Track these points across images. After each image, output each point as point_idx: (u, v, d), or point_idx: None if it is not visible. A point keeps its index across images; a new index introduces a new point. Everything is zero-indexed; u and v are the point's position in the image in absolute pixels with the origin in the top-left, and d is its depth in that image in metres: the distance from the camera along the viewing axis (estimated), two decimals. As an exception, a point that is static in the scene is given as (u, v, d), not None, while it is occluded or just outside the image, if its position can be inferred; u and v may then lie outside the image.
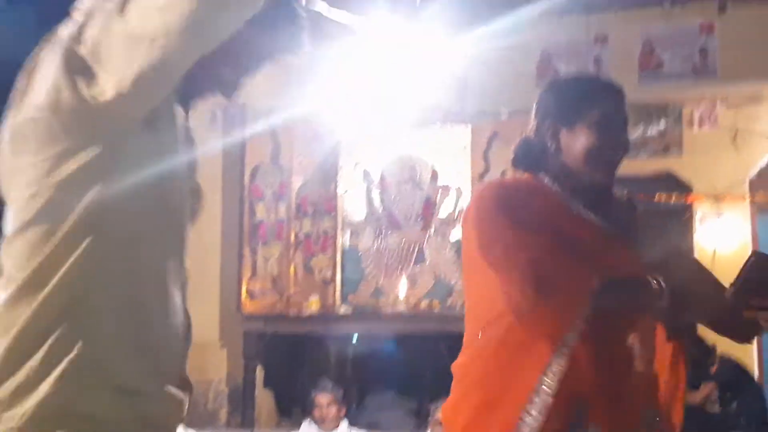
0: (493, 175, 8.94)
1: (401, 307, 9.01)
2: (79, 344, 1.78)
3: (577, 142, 2.68)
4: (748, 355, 10.42)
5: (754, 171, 11.55)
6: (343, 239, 9.23)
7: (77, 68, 1.76)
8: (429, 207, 9.10)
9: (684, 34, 8.92)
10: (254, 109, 9.51)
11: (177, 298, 1.96)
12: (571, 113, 2.70)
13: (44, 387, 1.73)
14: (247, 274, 9.36)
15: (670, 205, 12.09)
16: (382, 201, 9.25)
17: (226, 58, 2.01)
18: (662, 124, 11.78)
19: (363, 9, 7.16)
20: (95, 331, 1.80)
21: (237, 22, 1.81)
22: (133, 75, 1.70)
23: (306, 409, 7.30)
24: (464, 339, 2.93)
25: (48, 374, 1.74)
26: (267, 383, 9.51)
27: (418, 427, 7.54)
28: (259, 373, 9.30)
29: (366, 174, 9.24)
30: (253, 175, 9.50)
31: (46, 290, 1.76)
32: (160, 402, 1.86)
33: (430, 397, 7.04)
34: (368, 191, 9.26)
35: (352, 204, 9.26)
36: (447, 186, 9.12)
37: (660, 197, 11.86)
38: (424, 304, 8.98)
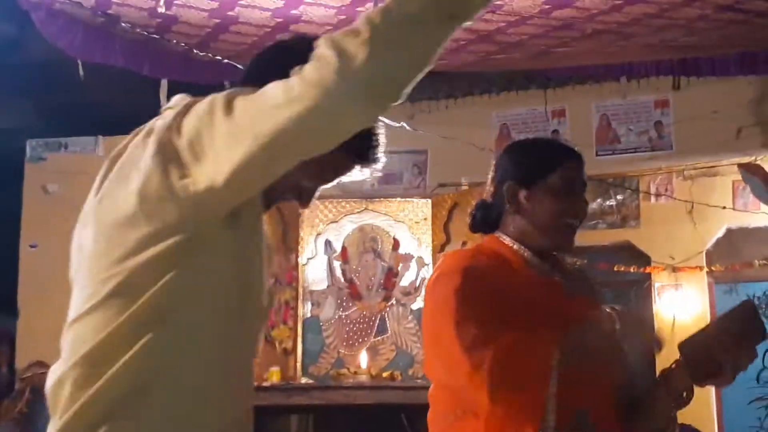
0: (454, 245, 9.00)
1: (363, 378, 9.00)
2: None
3: (537, 204, 2.68)
4: (709, 424, 10.49)
5: (710, 242, 11.71)
6: (304, 309, 9.23)
7: (171, 158, 1.77)
8: (390, 277, 9.15)
9: (639, 108, 9.09)
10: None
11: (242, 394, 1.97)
12: (532, 174, 2.71)
13: None
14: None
15: (629, 275, 12.21)
16: (343, 271, 9.28)
17: (310, 170, 1.98)
18: (620, 196, 11.94)
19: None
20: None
21: (345, 135, 1.76)
22: (230, 171, 1.70)
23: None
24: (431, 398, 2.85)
25: None
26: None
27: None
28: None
29: (327, 244, 9.29)
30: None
31: (107, 375, 1.74)
32: None
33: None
34: (329, 261, 9.30)
35: (314, 274, 9.29)
36: (409, 254, 9.18)
37: (619, 267, 12.00)
38: (386, 374, 8.98)
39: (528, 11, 6.58)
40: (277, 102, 1.67)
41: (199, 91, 6.92)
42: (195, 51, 7.30)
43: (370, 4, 6.07)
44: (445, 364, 2.67)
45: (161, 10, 6.49)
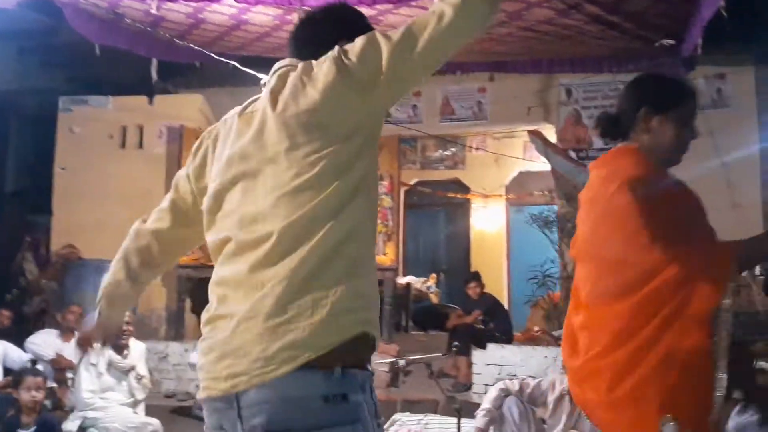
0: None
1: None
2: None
3: (667, 128, 2.31)
4: (502, 293, 10.72)
5: (507, 180, 11.94)
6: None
7: (346, 71, 1.61)
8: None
9: (468, 92, 9.08)
10: (191, 129, 9.32)
11: None
12: (668, 103, 2.34)
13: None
14: (181, 237, 9.16)
15: (458, 199, 12.35)
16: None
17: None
18: (453, 149, 12.01)
19: (265, 69, 7.10)
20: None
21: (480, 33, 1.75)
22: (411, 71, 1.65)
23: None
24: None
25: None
26: (193, 310, 9.32)
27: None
28: (188, 303, 9.10)
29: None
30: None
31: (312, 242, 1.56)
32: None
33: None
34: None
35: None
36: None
37: (451, 194, 12.13)
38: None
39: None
40: (442, 13, 1.59)
41: (177, 67, 6.64)
42: (176, 40, 7.08)
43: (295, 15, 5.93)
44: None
45: (153, 11, 6.32)
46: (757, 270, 5.21)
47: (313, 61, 1.70)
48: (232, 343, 1.56)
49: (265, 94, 1.76)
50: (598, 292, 2.19)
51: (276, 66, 1.84)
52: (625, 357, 1.99)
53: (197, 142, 1.93)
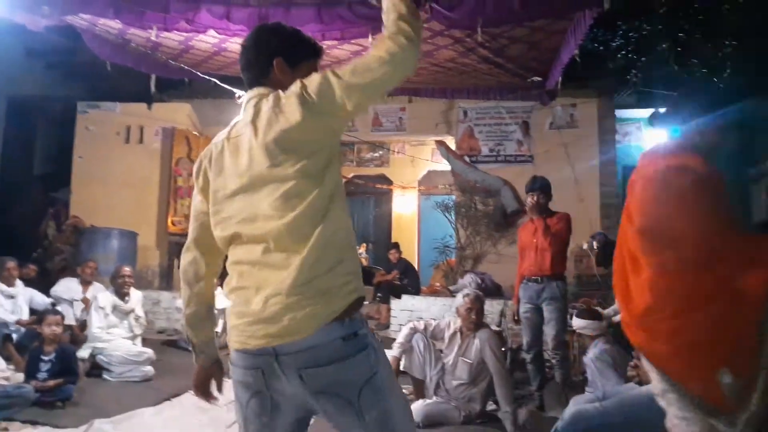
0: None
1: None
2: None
3: None
4: (414, 258, 10.79)
5: (420, 175, 11.98)
6: (223, 198, 8.93)
7: (307, 104, 1.58)
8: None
9: (392, 110, 9.09)
10: (179, 129, 9.07)
11: None
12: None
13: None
14: (171, 212, 8.91)
15: (383, 189, 12.34)
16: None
17: None
18: (380, 152, 11.98)
19: (239, 86, 6.95)
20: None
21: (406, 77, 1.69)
22: (356, 101, 1.59)
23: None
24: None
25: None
26: (179, 267, 9.14)
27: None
28: (175, 262, 8.90)
29: (236, 166, 8.98)
30: (176, 163, 9.03)
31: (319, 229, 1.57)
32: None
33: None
34: (237, 174, 9.00)
35: (229, 180, 8.96)
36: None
37: (378, 185, 12.09)
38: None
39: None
40: (382, 60, 1.58)
41: (171, 82, 6.40)
42: (170, 61, 6.85)
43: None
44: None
45: (153, 38, 6.09)
46: (594, 245, 5.36)
47: (281, 93, 1.66)
48: (263, 314, 1.57)
49: (245, 122, 1.71)
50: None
51: (247, 96, 1.78)
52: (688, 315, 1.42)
53: (197, 165, 1.85)
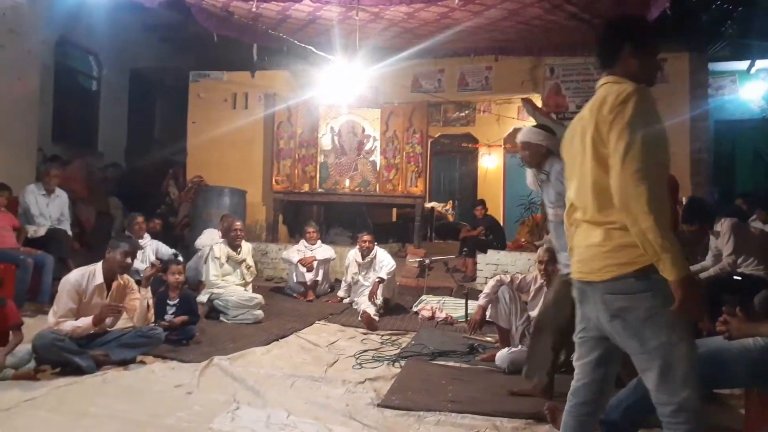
0: (390, 132, 8.94)
1: (346, 190, 8.97)
2: None
3: None
4: (499, 214, 10.64)
5: (506, 133, 11.69)
6: (319, 158, 9.09)
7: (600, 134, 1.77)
8: (360, 145, 9.01)
9: (478, 70, 8.83)
10: (280, 95, 9.28)
11: None
12: None
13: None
14: (275, 172, 9.21)
15: (469, 148, 12.18)
16: (339, 141, 9.11)
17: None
18: (466, 111, 11.77)
19: (333, 52, 7.00)
20: None
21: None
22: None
23: (302, 234, 7.24)
24: None
25: None
26: (284, 222, 9.47)
27: (352, 244, 7.52)
28: (280, 217, 9.24)
29: (332, 128, 9.09)
30: (278, 126, 9.27)
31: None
32: None
33: (357, 231, 6.98)
34: (332, 136, 9.10)
35: (325, 142, 9.09)
36: (369, 135, 9.02)
37: (465, 144, 11.94)
38: (357, 189, 8.96)
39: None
40: (636, 169, 1.69)
41: (271, 50, 6.46)
42: (270, 31, 6.98)
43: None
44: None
45: (254, 10, 6.21)
46: (683, 200, 5.06)
47: (613, 93, 1.77)
48: (583, 256, 1.90)
49: (589, 106, 1.87)
50: None
51: (600, 82, 1.91)
52: None
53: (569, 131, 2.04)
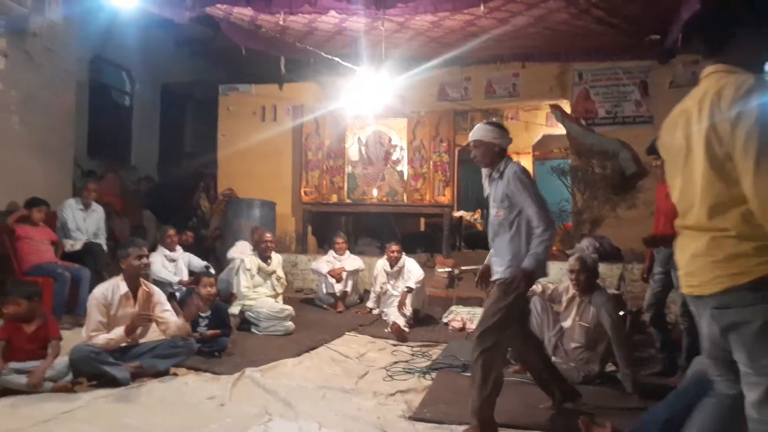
0: (417, 142, 8.94)
1: (374, 200, 8.97)
2: None
3: None
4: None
5: (534, 141, 11.59)
6: (347, 169, 9.11)
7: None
8: (387, 155, 9.00)
9: (505, 77, 8.78)
10: (308, 107, 9.36)
11: None
12: None
13: None
14: (303, 183, 9.27)
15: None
16: (366, 151, 9.11)
17: None
18: (494, 119, 11.70)
19: (359, 63, 7.04)
20: None
21: None
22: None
23: (330, 245, 7.27)
24: None
25: None
26: (313, 233, 9.52)
27: (380, 254, 7.50)
28: (309, 228, 9.29)
29: (359, 139, 9.11)
30: (306, 138, 9.34)
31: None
32: None
33: (385, 241, 6.96)
34: (359, 146, 9.11)
35: (352, 152, 9.11)
36: (395, 145, 9.03)
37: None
38: (384, 199, 8.95)
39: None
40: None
41: (298, 63, 6.51)
42: (297, 43, 7.07)
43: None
44: None
45: (281, 23, 6.29)
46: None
47: (727, 93, 1.57)
48: (690, 268, 1.73)
49: (693, 98, 1.69)
50: None
51: (705, 71, 1.72)
52: None
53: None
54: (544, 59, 8.08)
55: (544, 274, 2.98)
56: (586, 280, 3.90)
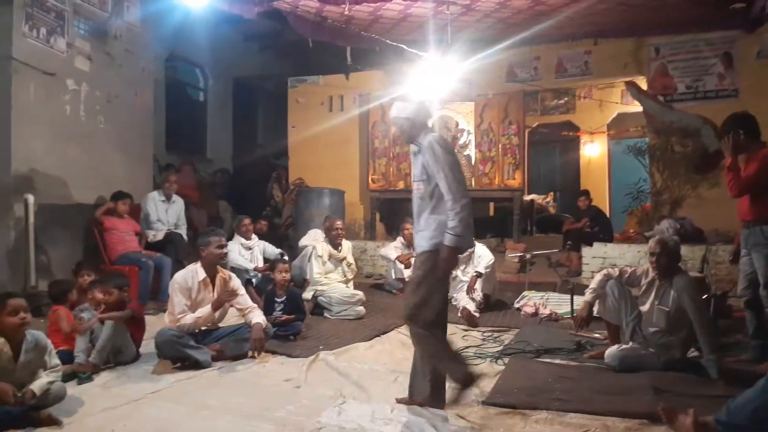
0: (485, 125, 8.78)
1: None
2: None
3: None
4: (605, 205, 10.19)
5: (609, 119, 11.19)
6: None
7: None
8: (454, 140, 8.92)
9: (576, 55, 8.50)
10: (374, 95, 9.40)
11: None
12: None
13: None
14: (371, 171, 9.36)
15: (570, 136, 11.74)
16: (433, 136, 9.07)
17: None
18: (565, 98, 11.36)
19: (425, 48, 7.00)
20: None
21: None
22: None
23: (399, 231, 7.30)
24: None
25: None
26: (381, 220, 9.60)
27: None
28: (377, 215, 9.37)
29: (425, 124, 9.06)
30: (372, 126, 9.41)
31: None
32: None
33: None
34: (427, 132, 9.08)
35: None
36: (462, 129, 8.93)
37: (565, 132, 11.51)
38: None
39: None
40: None
41: (364, 52, 6.56)
42: (362, 32, 7.10)
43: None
44: None
45: (346, 13, 6.33)
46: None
47: None
48: None
49: None
50: None
51: None
52: None
53: None
54: (618, 35, 7.76)
55: (471, 245, 2.94)
56: (668, 263, 3.74)
